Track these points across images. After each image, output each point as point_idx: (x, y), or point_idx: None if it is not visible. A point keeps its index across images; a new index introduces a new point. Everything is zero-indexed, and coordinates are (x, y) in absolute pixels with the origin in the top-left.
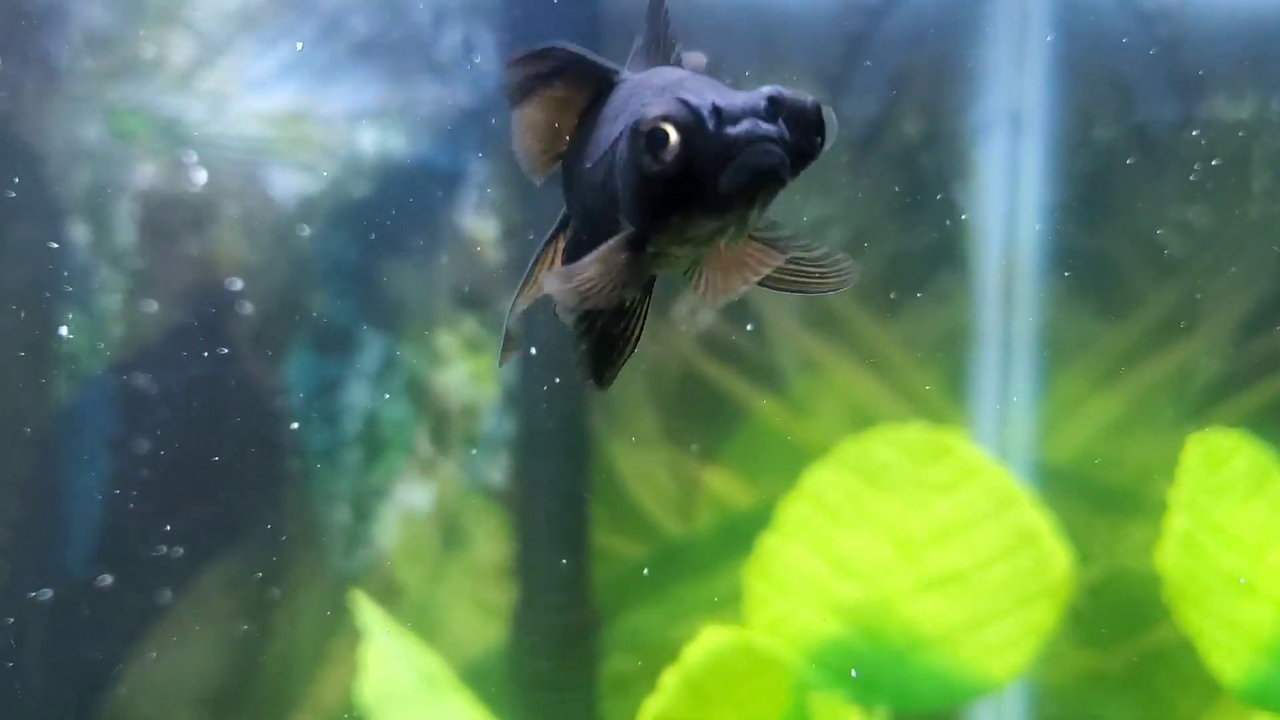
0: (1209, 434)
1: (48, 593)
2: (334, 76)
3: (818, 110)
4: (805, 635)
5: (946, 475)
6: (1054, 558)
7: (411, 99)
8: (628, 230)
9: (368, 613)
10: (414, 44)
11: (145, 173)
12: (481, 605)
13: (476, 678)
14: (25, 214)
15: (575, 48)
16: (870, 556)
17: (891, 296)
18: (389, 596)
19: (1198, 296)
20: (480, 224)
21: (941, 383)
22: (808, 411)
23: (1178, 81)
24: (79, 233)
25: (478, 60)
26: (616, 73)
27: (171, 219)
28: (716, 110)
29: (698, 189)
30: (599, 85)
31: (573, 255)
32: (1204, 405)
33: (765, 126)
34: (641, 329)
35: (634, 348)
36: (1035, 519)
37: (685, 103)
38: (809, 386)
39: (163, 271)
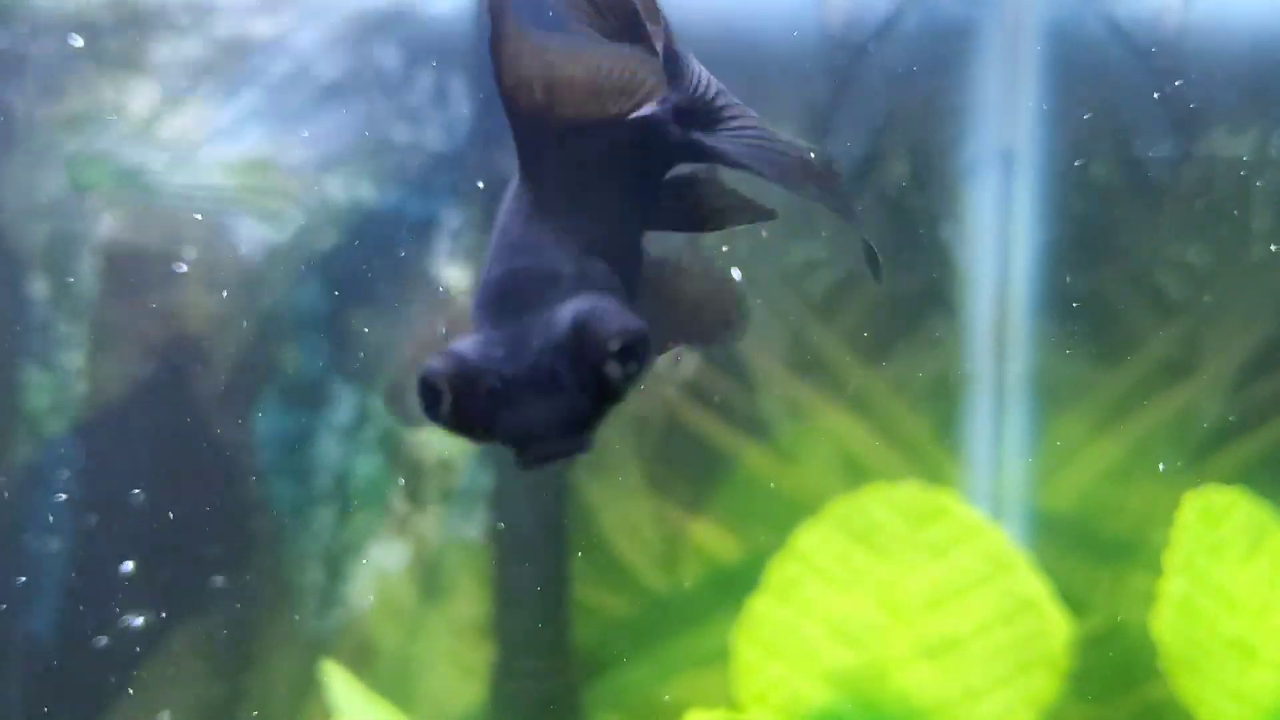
0: (1205, 491)
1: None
2: (301, 123)
3: (611, 356)
4: (796, 704)
5: (942, 537)
6: (1053, 625)
7: (381, 145)
8: None
9: (338, 684)
10: (384, 89)
11: (106, 224)
12: (460, 665)
13: None
14: None
15: None
16: (863, 621)
17: (882, 340)
18: (364, 657)
19: (1197, 339)
20: (454, 272)
21: (933, 429)
22: (796, 460)
23: (1175, 117)
24: (38, 287)
25: (449, 105)
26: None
27: (134, 271)
28: (489, 389)
29: (490, 437)
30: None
31: None
32: (1205, 451)
33: (539, 417)
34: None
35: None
36: (1034, 584)
37: (455, 362)
38: (797, 434)
39: (126, 326)
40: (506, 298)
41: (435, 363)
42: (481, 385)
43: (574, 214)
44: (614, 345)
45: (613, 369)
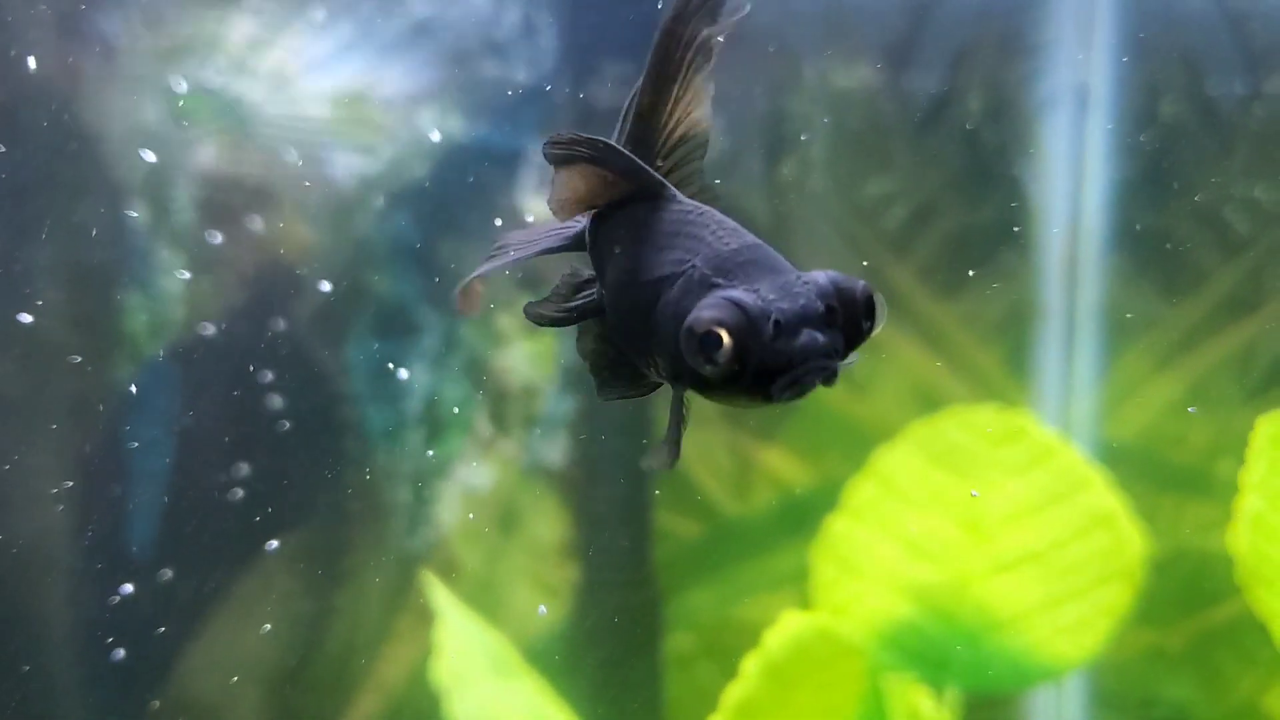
0: (1277, 415)
1: (128, 588)
2: (393, 56)
3: (869, 299)
4: (876, 617)
5: (1019, 457)
6: (1128, 540)
7: (471, 79)
8: (665, 370)
9: (438, 592)
10: (473, 23)
11: (205, 154)
12: (542, 585)
13: (538, 657)
14: (86, 195)
15: (622, 152)
16: (941, 538)
17: (954, 274)
18: (450, 576)
19: (1263, 275)
20: (539, 204)
21: (1003, 361)
22: (867, 391)
23: (1247, 55)
24: (140, 214)
25: (537, 39)
26: (664, 188)
27: (231, 200)
28: (774, 320)
29: (746, 389)
30: (643, 187)
31: (592, 312)
32: (1268, 384)
33: (821, 340)
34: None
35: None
36: (1109, 500)
37: (742, 308)
38: (868, 365)
39: (223, 253)
40: (751, 264)
41: (714, 311)
42: (764, 323)
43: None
44: (869, 301)
45: (867, 320)
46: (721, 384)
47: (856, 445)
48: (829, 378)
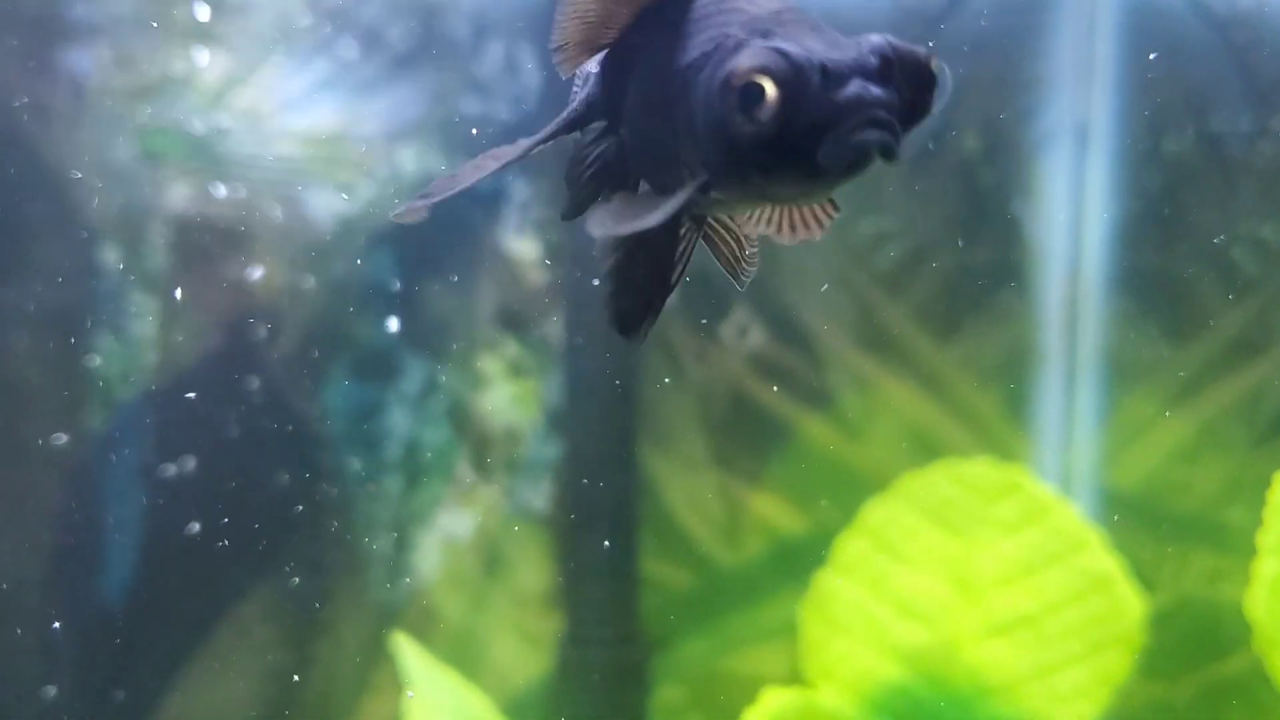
0: None
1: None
2: (372, 94)
3: (931, 64)
4: (865, 680)
5: (1013, 514)
6: (1127, 604)
7: (451, 117)
8: (698, 176)
9: (409, 656)
10: (453, 60)
11: (178, 194)
12: (526, 635)
13: (521, 710)
14: (56, 236)
15: None
16: (933, 598)
17: (951, 315)
18: (430, 626)
19: (1269, 317)
20: (522, 245)
21: (1002, 405)
22: (861, 435)
23: (1253, 91)
24: (111, 256)
25: (519, 76)
26: None
27: (205, 241)
28: (823, 68)
29: (791, 155)
30: None
31: (609, 169)
32: (1276, 429)
33: (877, 92)
34: (681, 276)
35: (668, 294)
36: (1107, 562)
37: (786, 55)
38: (863, 409)
39: (197, 295)
40: (794, 23)
41: (754, 59)
42: (811, 70)
43: None
44: (931, 67)
45: (928, 88)
46: (763, 149)
47: (849, 491)
48: (888, 147)
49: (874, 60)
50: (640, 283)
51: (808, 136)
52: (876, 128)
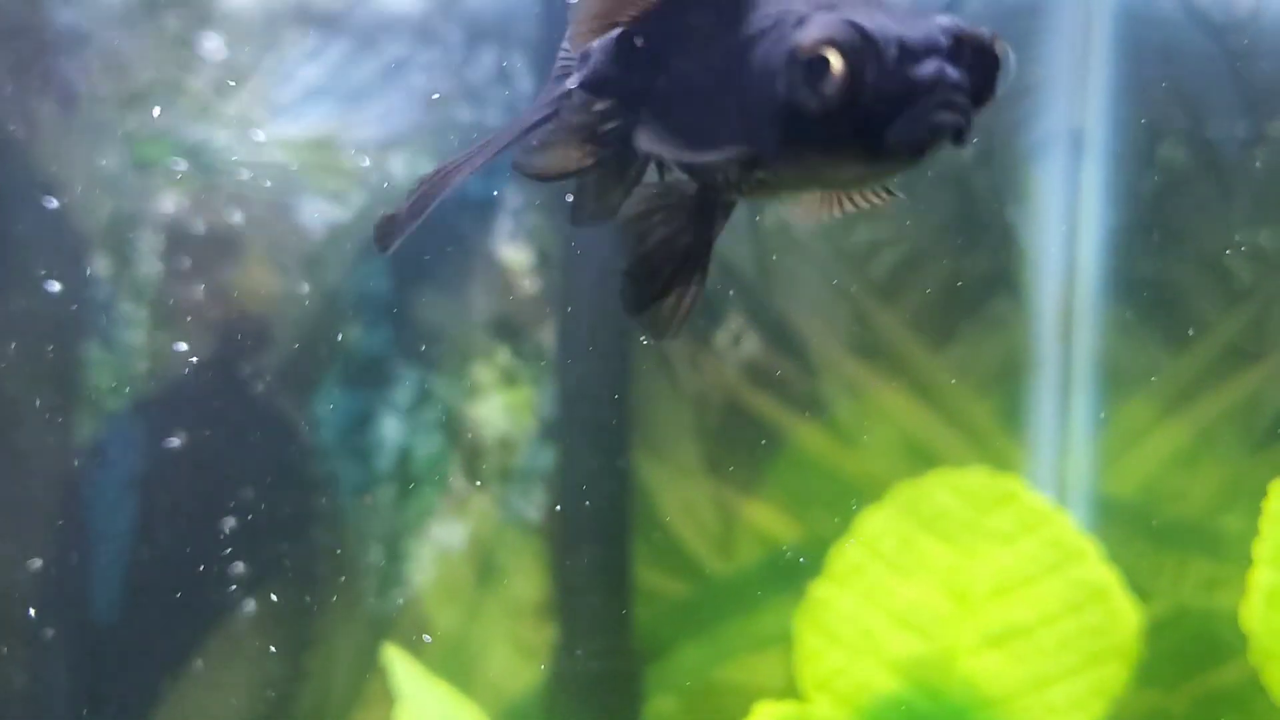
0: None
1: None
2: (363, 101)
3: (997, 49)
4: (861, 691)
5: (1009, 524)
6: (1123, 614)
7: (444, 123)
8: (745, 151)
9: (400, 669)
10: (446, 67)
11: (168, 202)
12: (519, 645)
13: None
14: (46, 246)
15: None
16: (928, 608)
17: (945, 323)
18: (423, 638)
19: (1265, 324)
20: (514, 252)
21: (997, 413)
22: (856, 443)
23: (1249, 97)
24: (101, 265)
25: (512, 83)
26: None
27: (196, 250)
28: (899, 43)
29: (857, 133)
30: None
31: (619, 155)
32: (1273, 436)
33: (953, 72)
34: (705, 264)
35: (698, 292)
36: (1102, 573)
37: (858, 28)
38: (857, 417)
39: (188, 304)
40: (859, 1)
41: (823, 30)
42: (885, 44)
43: None
44: (996, 45)
45: (997, 71)
46: (829, 126)
47: (844, 499)
48: (959, 131)
49: (945, 40)
50: (660, 261)
51: (878, 115)
52: (950, 109)
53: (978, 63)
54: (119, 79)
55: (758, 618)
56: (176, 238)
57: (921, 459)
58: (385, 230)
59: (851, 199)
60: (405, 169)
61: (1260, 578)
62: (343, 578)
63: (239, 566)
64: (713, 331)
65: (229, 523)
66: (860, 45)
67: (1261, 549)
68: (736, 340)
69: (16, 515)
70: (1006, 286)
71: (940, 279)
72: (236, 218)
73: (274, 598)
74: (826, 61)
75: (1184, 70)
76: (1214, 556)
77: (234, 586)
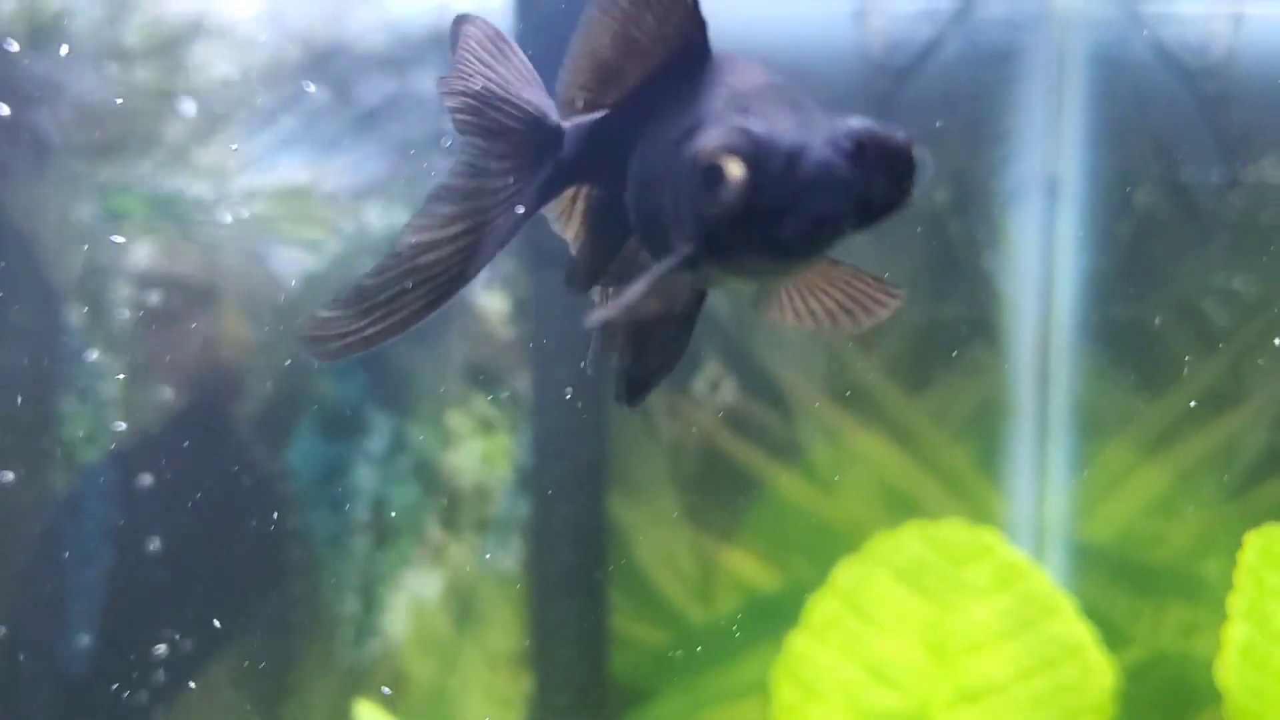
0: (1266, 530)
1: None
2: (338, 150)
3: (909, 151)
4: None
5: (984, 578)
6: (1098, 672)
7: (418, 172)
8: (684, 249)
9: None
10: (420, 115)
11: (143, 252)
12: (496, 696)
13: None
14: (19, 297)
15: None
16: (905, 662)
17: (922, 369)
18: (399, 687)
19: (1243, 370)
20: (490, 299)
21: (975, 459)
22: (834, 489)
23: (1223, 142)
24: (74, 316)
25: None
26: (705, 34)
27: (170, 300)
28: (788, 148)
29: (755, 235)
30: (686, 44)
31: (608, 224)
32: (1252, 481)
33: (840, 174)
34: (685, 345)
35: (674, 365)
36: (1079, 629)
37: (750, 135)
38: (835, 463)
39: (162, 355)
40: (774, 101)
41: (719, 139)
42: (775, 151)
43: None
44: (908, 150)
45: (904, 174)
46: (729, 228)
47: (823, 545)
48: (843, 217)
49: (845, 142)
50: (649, 355)
51: (770, 217)
52: (841, 200)
53: (883, 165)
54: (91, 130)
55: (737, 666)
56: (150, 288)
57: (900, 505)
58: (319, 335)
59: (854, 307)
60: (379, 218)
61: (1235, 633)
62: (318, 628)
63: (214, 617)
64: (690, 378)
65: (204, 573)
66: (752, 152)
67: (1236, 603)
68: (714, 387)
69: None
70: (983, 332)
71: (917, 325)
72: (210, 268)
73: (249, 648)
74: (720, 170)
75: (1158, 116)
76: (1192, 602)
77: (209, 637)
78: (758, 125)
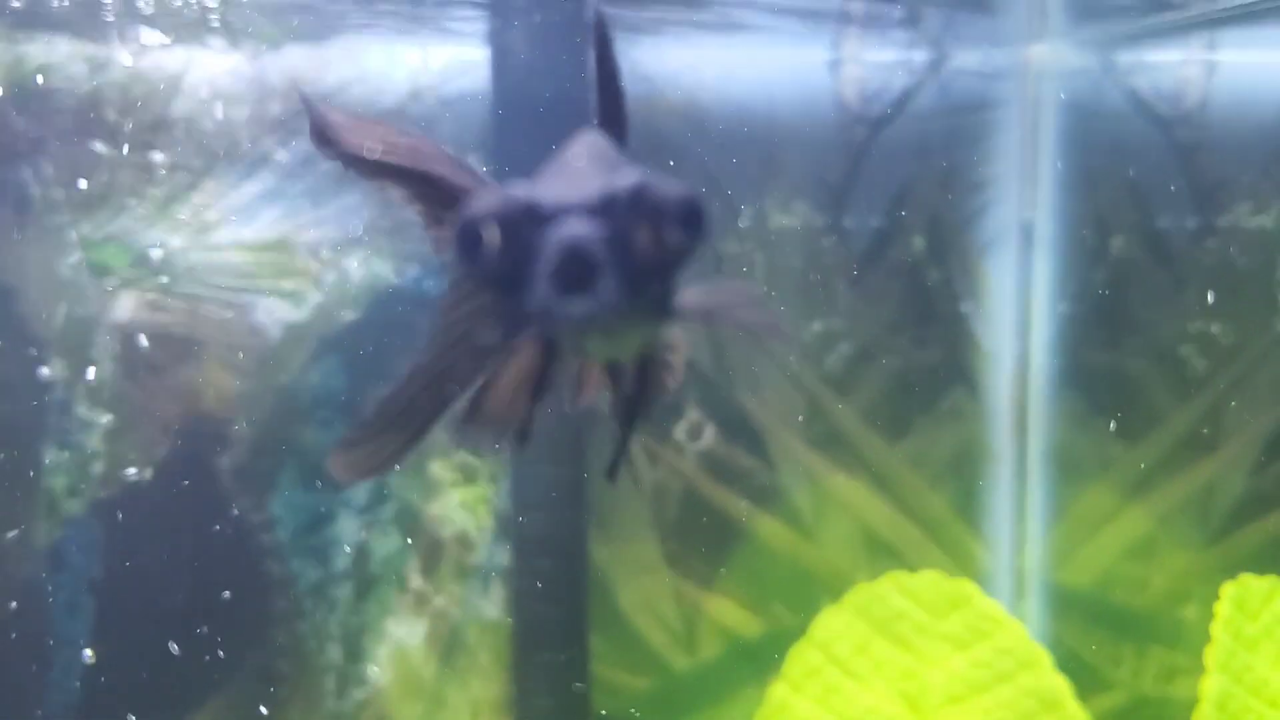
0: (1242, 580)
1: None
2: (318, 201)
3: (681, 202)
4: None
5: (962, 629)
6: None
7: (398, 223)
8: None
9: None
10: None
11: (124, 305)
12: None
13: None
14: (2, 350)
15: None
16: (884, 713)
17: (901, 415)
18: None
19: (1220, 415)
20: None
21: (953, 504)
22: (814, 535)
23: (1198, 189)
24: (57, 368)
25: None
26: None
27: (151, 352)
28: (534, 210)
29: (512, 299)
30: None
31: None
32: (1231, 526)
33: (584, 229)
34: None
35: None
36: (1056, 681)
37: (493, 199)
38: (815, 510)
39: (144, 407)
40: (559, 164)
41: (471, 208)
42: (518, 214)
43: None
44: (677, 208)
45: (673, 226)
46: (494, 292)
47: (804, 591)
48: (610, 286)
49: (595, 199)
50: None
51: (518, 277)
52: (580, 262)
53: (660, 219)
54: (73, 184)
55: (720, 712)
56: (132, 340)
57: (879, 550)
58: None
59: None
60: (360, 269)
61: (1211, 685)
62: (302, 676)
63: (197, 667)
64: (671, 425)
65: (187, 624)
66: (491, 216)
67: (1213, 655)
68: (695, 433)
69: None
70: (961, 379)
71: (896, 372)
72: (192, 319)
73: (234, 697)
74: (474, 234)
75: (1133, 163)
76: (1172, 647)
77: (193, 687)
78: (511, 189)
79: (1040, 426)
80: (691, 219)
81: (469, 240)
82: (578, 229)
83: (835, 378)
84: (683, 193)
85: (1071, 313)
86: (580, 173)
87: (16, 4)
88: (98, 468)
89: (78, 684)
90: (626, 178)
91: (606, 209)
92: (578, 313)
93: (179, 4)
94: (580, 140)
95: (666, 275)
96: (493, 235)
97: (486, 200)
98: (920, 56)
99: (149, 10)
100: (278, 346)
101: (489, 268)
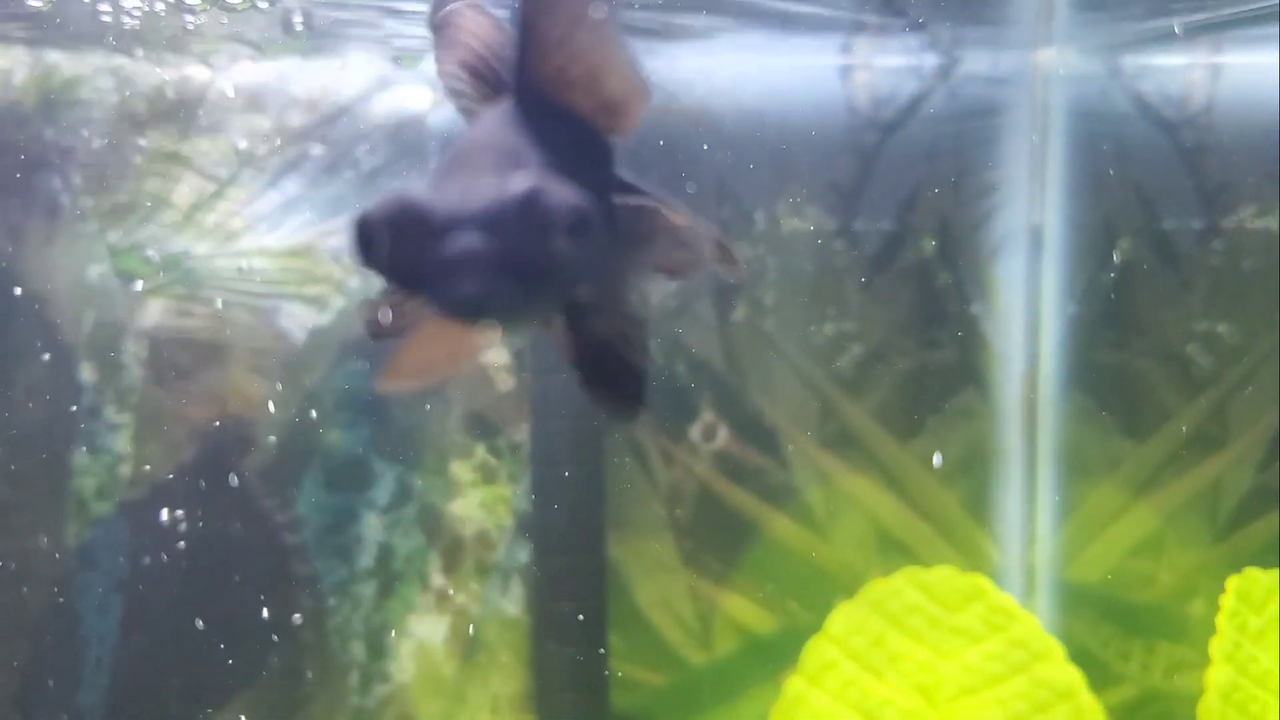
0: (1248, 574)
1: None
2: (341, 209)
3: (565, 209)
4: None
5: (976, 623)
6: (1089, 715)
7: None
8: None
9: None
10: (422, 175)
11: (152, 311)
12: None
13: None
14: (33, 356)
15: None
16: (899, 706)
17: (912, 415)
18: None
19: (1226, 413)
20: (490, 352)
21: (964, 502)
22: (828, 534)
23: (1204, 192)
24: (87, 373)
25: None
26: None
27: (179, 356)
28: (423, 217)
29: (417, 293)
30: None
31: None
32: (1238, 522)
33: (469, 241)
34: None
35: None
36: (1069, 673)
37: (392, 205)
38: (829, 507)
39: (171, 410)
40: (464, 159)
41: (369, 212)
42: (424, 221)
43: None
44: (564, 221)
45: (560, 244)
46: (400, 287)
47: (818, 588)
48: (499, 292)
49: (483, 208)
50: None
51: (411, 278)
52: (468, 272)
53: (541, 229)
54: (102, 193)
55: (736, 708)
56: (160, 345)
57: (892, 548)
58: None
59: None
60: None
61: (1217, 676)
62: (327, 674)
63: (224, 665)
64: (686, 425)
65: (214, 622)
66: (393, 225)
67: (1219, 646)
68: (709, 434)
69: (4, 619)
70: (972, 379)
71: (907, 373)
72: (218, 325)
73: (260, 695)
74: (366, 236)
75: (1140, 167)
76: (1180, 641)
77: (219, 685)
78: (408, 193)
79: (1049, 426)
80: (578, 227)
81: (363, 243)
82: (465, 242)
83: (847, 379)
84: (570, 200)
85: (1080, 314)
86: (478, 168)
87: (37, 3)
88: (126, 470)
89: (107, 681)
90: (518, 183)
91: (495, 221)
92: (469, 314)
93: (203, 19)
94: (485, 123)
95: (559, 274)
96: (383, 241)
97: (380, 207)
98: (930, 62)
99: (174, 24)
100: (302, 351)
101: (380, 268)
